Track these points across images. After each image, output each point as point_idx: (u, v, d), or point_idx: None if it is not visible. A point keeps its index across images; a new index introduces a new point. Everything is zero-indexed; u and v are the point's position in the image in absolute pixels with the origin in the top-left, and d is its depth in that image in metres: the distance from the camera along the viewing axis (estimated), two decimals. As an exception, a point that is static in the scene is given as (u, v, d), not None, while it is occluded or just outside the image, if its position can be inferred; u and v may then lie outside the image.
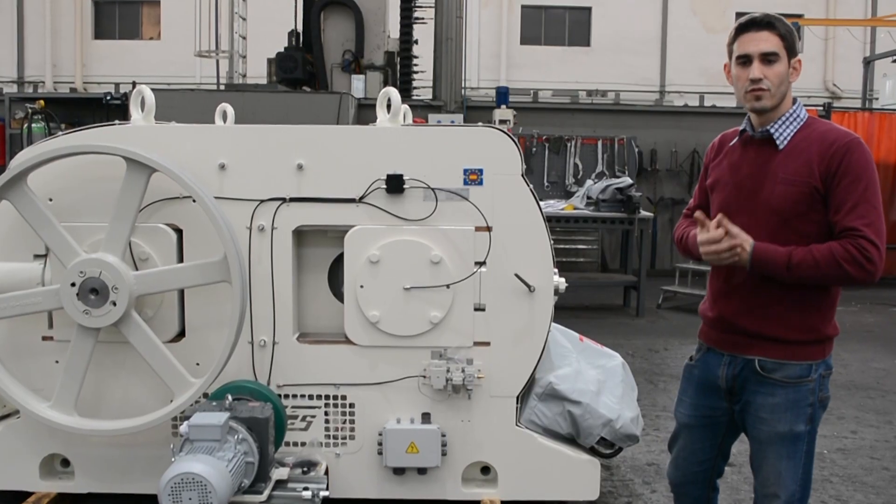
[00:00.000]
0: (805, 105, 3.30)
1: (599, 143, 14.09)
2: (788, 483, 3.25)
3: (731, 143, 3.39)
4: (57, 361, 3.74)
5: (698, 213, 3.25)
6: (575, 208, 11.46)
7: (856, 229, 3.03)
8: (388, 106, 3.80)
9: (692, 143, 14.87)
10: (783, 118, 3.22)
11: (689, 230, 3.50)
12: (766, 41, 3.16)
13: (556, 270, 3.82)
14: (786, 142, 3.20)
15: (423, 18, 17.99)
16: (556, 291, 3.80)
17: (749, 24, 3.20)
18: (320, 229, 3.79)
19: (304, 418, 3.82)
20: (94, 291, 3.43)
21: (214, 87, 18.97)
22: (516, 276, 3.69)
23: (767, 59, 3.16)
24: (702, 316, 3.48)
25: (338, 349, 3.79)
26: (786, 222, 3.14)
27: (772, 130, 3.22)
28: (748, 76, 3.18)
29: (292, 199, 3.70)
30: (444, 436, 3.76)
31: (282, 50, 16.33)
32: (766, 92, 3.18)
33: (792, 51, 3.19)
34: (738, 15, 26.53)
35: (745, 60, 3.20)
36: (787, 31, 3.19)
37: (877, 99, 19.01)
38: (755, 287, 3.22)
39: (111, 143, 3.50)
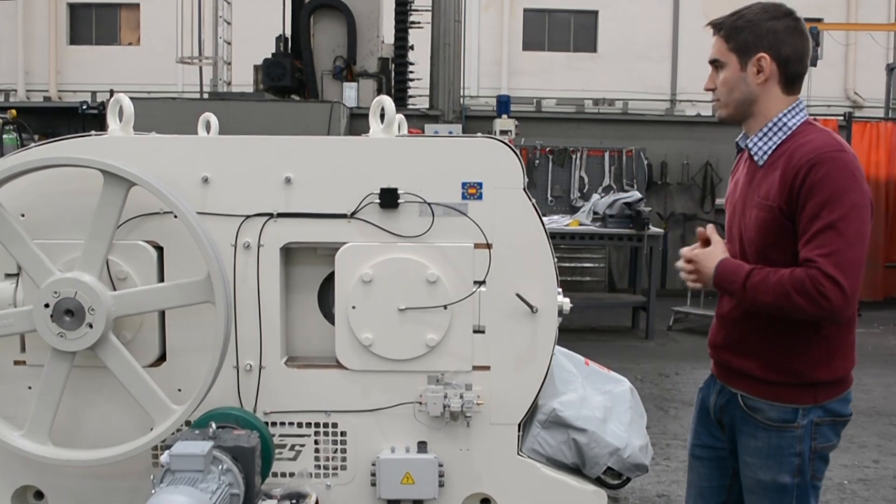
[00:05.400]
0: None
1: (606, 155, 14.16)
2: None
3: (741, 155, 3.35)
4: (30, 387, 3.73)
5: (709, 227, 3.22)
6: (580, 224, 11.51)
7: (811, 261, 2.82)
8: (382, 116, 3.82)
9: (705, 155, 14.93)
10: (765, 129, 3.07)
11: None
12: (712, 47, 3.12)
13: (560, 290, 3.83)
14: (766, 157, 3.05)
15: (419, 23, 18.09)
16: (561, 312, 3.81)
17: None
18: (310, 246, 3.80)
19: (292, 447, 3.82)
20: (69, 313, 3.43)
21: (197, 95, 19.03)
22: (518, 296, 3.70)
23: (714, 65, 3.13)
24: None
25: (328, 374, 3.79)
26: (761, 252, 3.01)
27: (749, 145, 3.11)
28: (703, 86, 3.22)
29: (280, 215, 3.71)
30: (441, 466, 3.76)
31: (269, 56, 16.40)
32: (718, 102, 3.12)
33: (744, 50, 3.05)
34: (754, 19, 26.71)
35: None
36: (734, 29, 3.05)
37: (901, 108, 19.07)
38: (739, 318, 3.13)
39: (87, 155, 3.51)
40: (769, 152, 3.05)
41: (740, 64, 3.06)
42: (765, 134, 3.06)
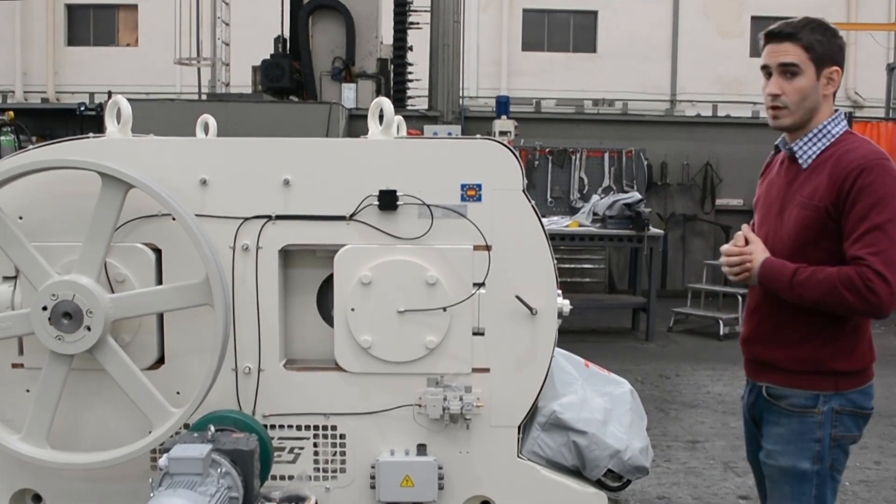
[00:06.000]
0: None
1: (606, 156, 14.16)
2: None
3: (774, 158, 3.43)
4: (28, 390, 3.73)
5: (743, 226, 3.30)
6: (580, 225, 11.51)
7: (861, 258, 2.98)
8: (381, 117, 3.82)
9: (705, 156, 14.92)
10: (810, 135, 3.19)
11: None
12: (785, 52, 3.13)
13: (559, 292, 3.83)
14: (810, 161, 3.18)
15: (418, 23, 18.10)
16: (560, 314, 3.81)
17: (770, 35, 3.19)
18: (308, 249, 3.80)
19: (291, 450, 3.82)
20: (67, 316, 3.44)
21: (195, 96, 19.02)
22: (517, 298, 3.71)
23: (788, 71, 3.13)
24: None
25: (327, 376, 3.79)
26: (798, 249, 3.14)
27: (795, 148, 3.21)
28: (768, 90, 3.19)
29: (278, 217, 3.71)
30: (440, 468, 3.76)
31: (267, 57, 16.40)
32: (783, 110, 3.16)
33: (822, 61, 3.14)
34: (754, 19, 26.74)
35: (767, 72, 3.20)
36: (814, 40, 3.11)
37: (901, 108, 19.08)
38: (770, 311, 3.25)
39: (85, 157, 3.51)
40: (814, 156, 3.18)
41: (817, 74, 3.16)
42: (810, 139, 3.20)
